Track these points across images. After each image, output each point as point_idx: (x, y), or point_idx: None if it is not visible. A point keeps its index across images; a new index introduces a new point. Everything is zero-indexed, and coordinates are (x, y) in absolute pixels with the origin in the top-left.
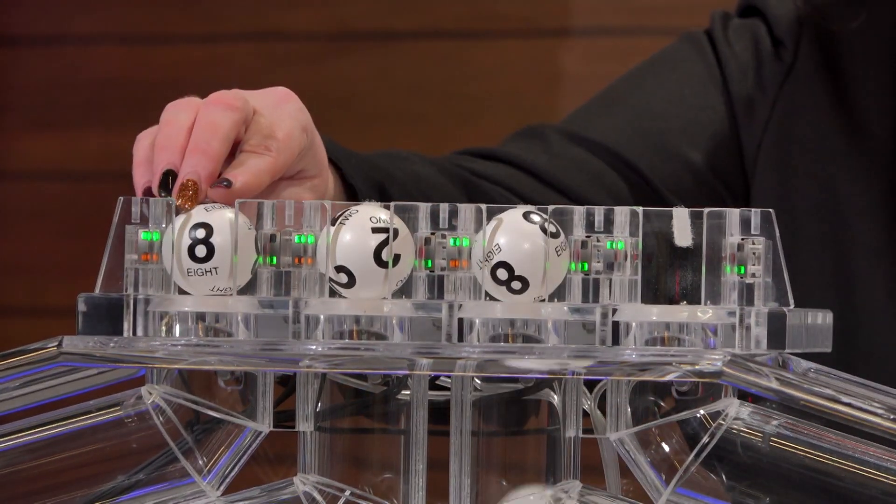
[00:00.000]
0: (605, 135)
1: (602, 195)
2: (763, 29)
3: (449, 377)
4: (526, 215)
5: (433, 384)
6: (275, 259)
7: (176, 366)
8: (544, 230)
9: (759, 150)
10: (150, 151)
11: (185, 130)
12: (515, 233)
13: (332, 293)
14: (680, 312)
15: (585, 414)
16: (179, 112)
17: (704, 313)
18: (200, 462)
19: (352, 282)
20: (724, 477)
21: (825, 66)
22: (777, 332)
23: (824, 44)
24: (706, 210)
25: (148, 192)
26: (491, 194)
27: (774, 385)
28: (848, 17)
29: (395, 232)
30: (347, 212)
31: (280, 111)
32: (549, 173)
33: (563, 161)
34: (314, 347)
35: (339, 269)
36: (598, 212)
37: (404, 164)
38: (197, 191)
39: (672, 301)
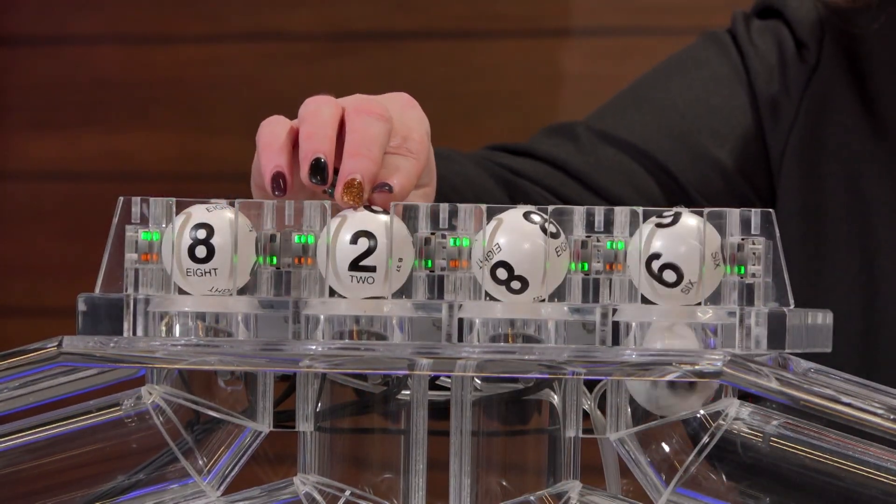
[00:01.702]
0: (635, 134)
1: (634, 196)
2: (785, 31)
3: (449, 377)
4: (526, 215)
5: (433, 384)
6: (275, 259)
7: (176, 366)
8: (544, 230)
9: (784, 151)
10: (280, 137)
11: (331, 122)
12: (515, 233)
13: (332, 293)
14: (680, 312)
15: (585, 414)
16: (322, 106)
17: (704, 313)
18: (200, 462)
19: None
20: (724, 477)
21: (848, 68)
22: (777, 332)
23: (846, 46)
24: (706, 210)
25: (278, 177)
26: (531, 194)
27: (774, 385)
28: (867, 20)
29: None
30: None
31: (408, 116)
32: (584, 172)
33: (595, 160)
34: (314, 347)
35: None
36: (598, 212)
37: (451, 164)
38: (362, 190)
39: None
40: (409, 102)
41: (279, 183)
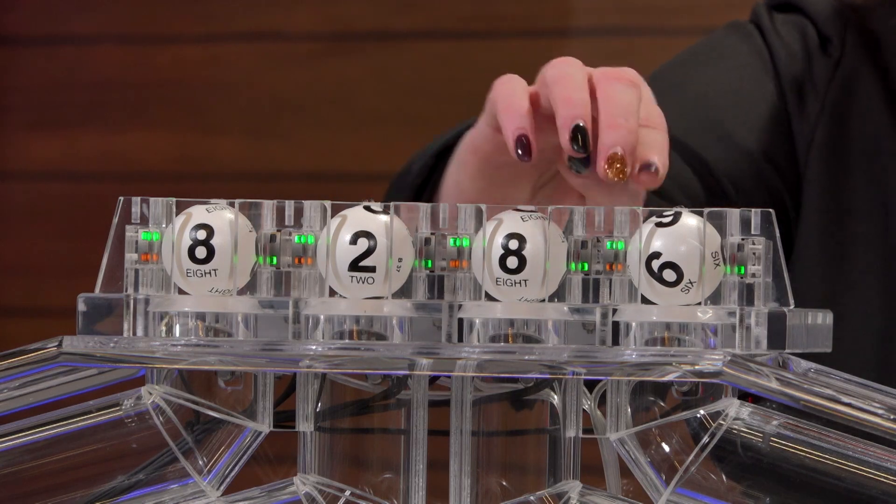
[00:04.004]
0: (670, 124)
1: (669, 185)
2: (808, 24)
3: (449, 377)
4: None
5: (433, 384)
6: (275, 259)
7: (176, 366)
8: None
9: (810, 145)
10: (521, 97)
11: (585, 86)
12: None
13: (332, 293)
14: (680, 312)
15: (585, 414)
16: (571, 69)
17: (704, 313)
18: (200, 462)
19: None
20: (724, 477)
21: (871, 63)
22: (777, 332)
23: (868, 40)
24: (706, 210)
25: (522, 140)
26: None
27: (774, 385)
28: (885, 15)
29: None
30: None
31: (643, 90)
32: None
33: None
34: (314, 347)
35: None
36: (599, 212)
37: None
38: (625, 164)
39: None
40: (638, 76)
41: (524, 146)
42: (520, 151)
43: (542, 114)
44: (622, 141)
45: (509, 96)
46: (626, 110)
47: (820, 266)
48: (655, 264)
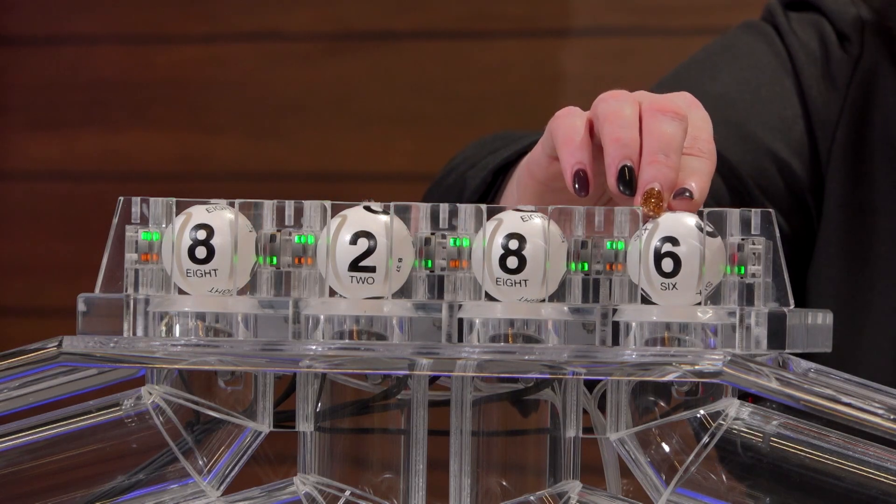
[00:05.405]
0: None
1: None
2: (826, 23)
3: (449, 377)
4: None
5: (433, 384)
6: (275, 259)
7: (176, 366)
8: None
9: (832, 145)
10: (579, 132)
11: (635, 124)
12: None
13: (332, 293)
14: (680, 312)
15: (585, 414)
16: (623, 104)
17: (704, 313)
18: (200, 462)
19: None
20: (724, 477)
21: (889, 60)
22: (777, 332)
23: (884, 38)
24: (706, 210)
25: (580, 174)
26: None
27: (774, 385)
28: None
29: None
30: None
31: (695, 115)
32: None
33: None
34: (314, 347)
35: None
36: (598, 212)
37: None
38: (662, 200)
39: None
40: (693, 101)
41: (582, 180)
42: (577, 185)
43: (596, 144)
44: (661, 177)
45: (569, 129)
46: (668, 146)
47: (841, 265)
48: (656, 264)
